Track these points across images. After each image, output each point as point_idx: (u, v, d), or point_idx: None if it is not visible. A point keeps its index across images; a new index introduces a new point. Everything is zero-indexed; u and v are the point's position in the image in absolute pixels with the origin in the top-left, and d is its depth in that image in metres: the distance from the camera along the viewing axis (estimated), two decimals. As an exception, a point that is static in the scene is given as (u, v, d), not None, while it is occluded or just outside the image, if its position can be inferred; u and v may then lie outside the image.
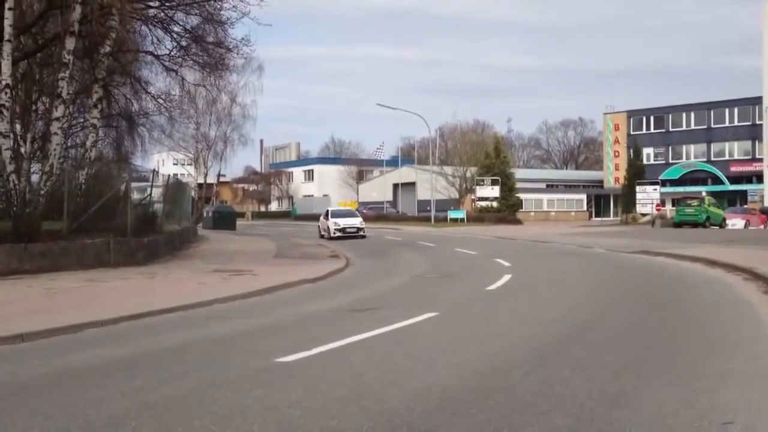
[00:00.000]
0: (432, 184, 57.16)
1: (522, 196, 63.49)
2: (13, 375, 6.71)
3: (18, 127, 22.55)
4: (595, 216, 71.25)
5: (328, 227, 33.55)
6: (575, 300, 11.41)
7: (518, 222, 54.71)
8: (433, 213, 55.42)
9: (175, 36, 22.98)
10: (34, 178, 19.89)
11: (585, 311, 10.16)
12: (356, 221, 34.08)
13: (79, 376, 6.56)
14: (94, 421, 4.97)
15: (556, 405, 5.11)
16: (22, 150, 21.68)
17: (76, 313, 9.89)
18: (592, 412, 4.95)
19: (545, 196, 71.83)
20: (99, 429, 4.78)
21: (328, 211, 36.46)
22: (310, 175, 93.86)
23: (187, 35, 23.07)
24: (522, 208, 63.20)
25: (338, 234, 32.68)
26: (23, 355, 7.67)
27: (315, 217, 70.20)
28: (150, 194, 23.22)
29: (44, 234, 17.02)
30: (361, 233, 33.25)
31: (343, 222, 33.67)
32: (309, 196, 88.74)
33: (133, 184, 23.54)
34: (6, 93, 17.14)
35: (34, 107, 22.92)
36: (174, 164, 63.92)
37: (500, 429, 4.58)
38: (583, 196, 73.86)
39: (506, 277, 14.78)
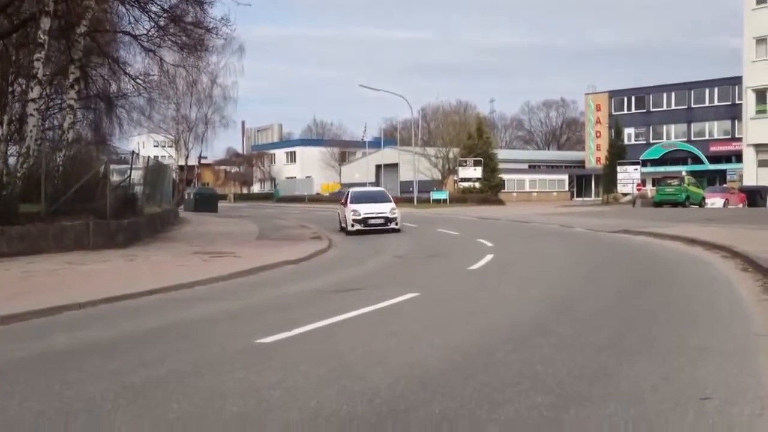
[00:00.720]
0: (414, 165, 57.13)
1: (504, 176, 63.66)
2: (-10, 359, 6.62)
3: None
4: (577, 196, 71.63)
5: (345, 217, 24.62)
6: (557, 279, 11.46)
7: (501, 202, 54.88)
8: (415, 194, 55.43)
9: (152, 16, 22.61)
10: (11, 160, 19.59)
11: (566, 290, 10.20)
12: (385, 208, 24.40)
13: (57, 358, 6.49)
14: (71, 403, 4.92)
15: (536, 383, 5.12)
16: (-1, 132, 21.33)
17: (54, 296, 9.78)
18: (572, 389, 4.96)
19: (527, 177, 72.06)
20: (76, 411, 4.73)
21: (347, 193, 26.67)
22: (292, 157, 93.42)
23: (165, 15, 22.71)
24: (504, 188, 63.41)
25: (357, 227, 23.60)
26: (0, 338, 7.58)
27: (297, 199, 70.42)
28: (130, 176, 22.98)
29: (22, 216, 16.80)
30: (393, 225, 23.94)
31: (366, 209, 24.12)
32: (291, 177, 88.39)
33: (113, 167, 23.27)
34: (-20, 74, 16.82)
35: (10, 89, 22.52)
36: (154, 146, 63.29)
37: (481, 407, 4.58)
38: (565, 177, 74.19)
39: (488, 257, 14.81)
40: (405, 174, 63.64)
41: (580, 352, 6.11)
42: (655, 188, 49.64)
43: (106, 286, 10.91)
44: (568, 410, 4.52)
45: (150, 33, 23.06)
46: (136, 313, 9.09)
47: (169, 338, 7.36)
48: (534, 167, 77.05)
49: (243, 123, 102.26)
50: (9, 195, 17.00)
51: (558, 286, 10.65)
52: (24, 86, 20.89)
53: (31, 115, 18.34)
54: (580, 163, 76.97)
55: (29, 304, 9.10)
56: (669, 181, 44.29)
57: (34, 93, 18.31)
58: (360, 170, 77.39)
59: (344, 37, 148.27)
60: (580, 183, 74.30)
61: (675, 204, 41.02)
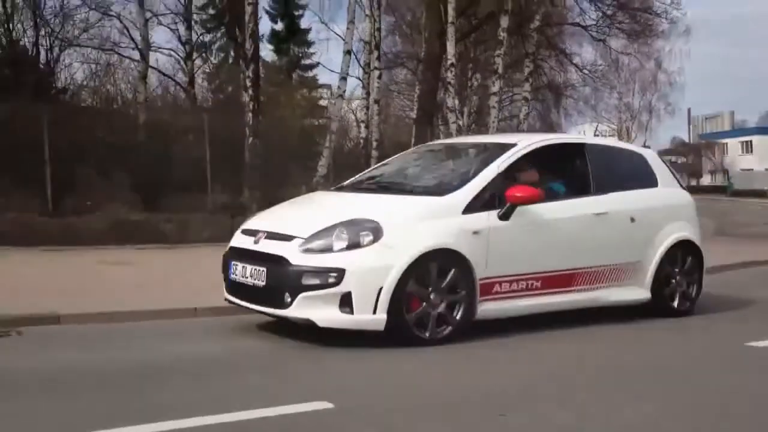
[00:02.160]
0: None
1: None
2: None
3: (456, 101, 24.46)
4: None
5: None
6: None
7: None
8: None
9: (600, 5, 22.66)
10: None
11: None
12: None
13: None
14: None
15: None
16: (460, 123, 23.48)
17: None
18: None
19: None
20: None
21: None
22: (747, 147, 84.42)
23: (613, 3, 22.54)
24: None
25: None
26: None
27: (755, 193, 63.03)
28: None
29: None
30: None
31: (258, 224, 5.93)
32: (748, 170, 79.73)
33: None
34: (451, 71, 18.65)
35: (469, 83, 24.55)
36: (595, 135, 63.40)
37: None
38: None
39: None
40: None
41: None
42: None
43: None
44: None
45: (598, 23, 23.15)
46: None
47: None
48: None
49: (689, 110, 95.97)
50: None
51: None
52: (480, 80, 22.50)
53: (493, 107, 19.85)
54: None
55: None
56: None
57: (495, 87, 19.71)
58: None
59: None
60: None
61: None
